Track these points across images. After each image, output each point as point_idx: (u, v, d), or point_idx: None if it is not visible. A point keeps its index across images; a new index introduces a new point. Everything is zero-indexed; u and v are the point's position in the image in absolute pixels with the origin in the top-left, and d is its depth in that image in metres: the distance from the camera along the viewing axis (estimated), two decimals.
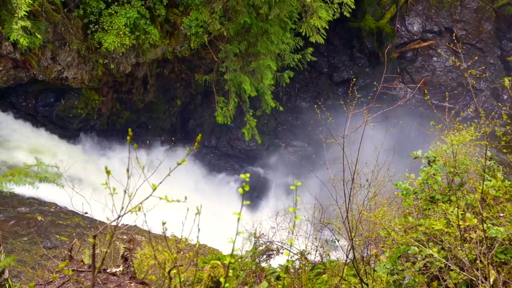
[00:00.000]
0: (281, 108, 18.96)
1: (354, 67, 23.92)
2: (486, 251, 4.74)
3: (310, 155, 19.61)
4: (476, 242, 4.84)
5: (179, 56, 16.94)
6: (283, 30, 16.29)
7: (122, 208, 3.41)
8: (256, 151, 22.12)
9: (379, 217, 6.77)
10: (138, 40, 14.87)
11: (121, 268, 5.96)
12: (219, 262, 5.97)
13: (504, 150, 6.80)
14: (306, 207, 8.41)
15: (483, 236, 4.81)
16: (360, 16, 23.05)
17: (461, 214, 5.21)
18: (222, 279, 3.29)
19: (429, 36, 25.30)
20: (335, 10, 15.72)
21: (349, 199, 6.34)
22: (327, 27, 15.51)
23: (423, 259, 5.15)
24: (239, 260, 8.57)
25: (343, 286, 7.00)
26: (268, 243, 8.91)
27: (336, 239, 7.97)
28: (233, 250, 3.38)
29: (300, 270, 8.03)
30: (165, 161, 4.37)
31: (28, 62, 14.28)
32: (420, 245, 5.13)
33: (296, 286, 7.66)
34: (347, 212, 6.32)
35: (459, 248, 4.99)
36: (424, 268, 5.16)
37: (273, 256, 8.89)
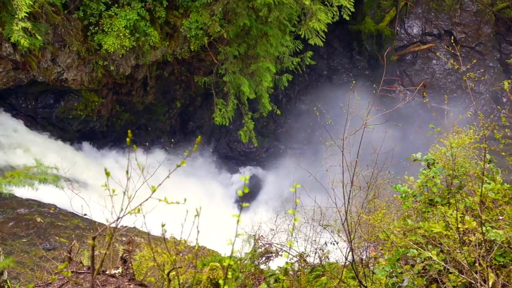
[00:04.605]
0: (278, 112, 19.01)
1: (353, 69, 23.93)
2: (485, 254, 4.75)
3: (309, 158, 19.62)
4: (475, 245, 4.85)
5: (178, 58, 16.95)
6: (283, 32, 16.31)
7: (122, 209, 3.42)
8: (255, 153, 22.12)
9: (378, 220, 6.77)
10: (138, 42, 14.87)
11: (120, 270, 5.96)
12: (218, 264, 5.97)
13: (503, 153, 6.81)
14: (305, 209, 8.41)
15: (482, 239, 4.81)
16: (359, 19, 23.06)
17: (460, 217, 5.21)
18: (221, 281, 3.30)
19: (429, 39, 25.33)
20: (335, 13, 15.74)
21: (348, 201, 6.35)
22: (326, 30, 15.53)
23: (422, 262, 5.16)
24: (238, 262, 8.56)
25: None
26: (267, 245, 8.91)
27: (335, 241, 7.98)
28: (232, 252, 3.38)
29: (299, 272, 8.03)
30: (165, 163, 4.38)
31: (28, 63, 14.28)
32: (419, 248, 5.13)
33: None
34: (346, 215, 6.33)
35: (458, 251, 5.00)
36: (423, 270, 5.16)
37: (272, 258, 8.89)
